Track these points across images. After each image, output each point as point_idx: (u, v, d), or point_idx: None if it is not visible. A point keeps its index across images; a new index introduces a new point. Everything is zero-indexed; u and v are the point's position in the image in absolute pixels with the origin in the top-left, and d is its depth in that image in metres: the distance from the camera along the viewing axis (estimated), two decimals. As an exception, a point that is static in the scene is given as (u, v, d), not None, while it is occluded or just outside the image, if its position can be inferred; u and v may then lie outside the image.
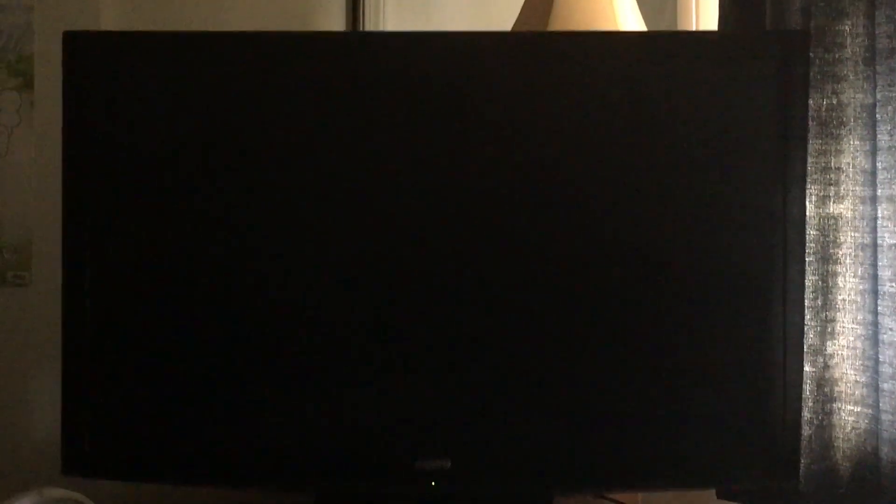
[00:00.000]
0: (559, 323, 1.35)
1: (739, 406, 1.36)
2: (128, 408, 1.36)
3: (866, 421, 1.42)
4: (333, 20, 1.84)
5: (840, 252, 1.43)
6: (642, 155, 1.35)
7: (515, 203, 1.35)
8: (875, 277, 1.39)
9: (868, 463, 1.41)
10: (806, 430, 1.44)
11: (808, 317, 1.42)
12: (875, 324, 1.39)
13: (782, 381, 1.36)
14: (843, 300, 1.43)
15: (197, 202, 1.35)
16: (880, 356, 1.38)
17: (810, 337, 1.44)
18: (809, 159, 1.41)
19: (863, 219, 1.41)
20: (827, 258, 1.44)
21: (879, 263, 1.38)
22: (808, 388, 1.45)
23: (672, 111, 1.36)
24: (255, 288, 1.35)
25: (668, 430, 1.35)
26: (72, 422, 1.35)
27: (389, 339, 1.35)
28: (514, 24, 1.63)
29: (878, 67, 1.38)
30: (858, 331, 1.42)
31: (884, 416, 1.37)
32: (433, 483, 1.34)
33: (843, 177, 1.43)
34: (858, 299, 1.42)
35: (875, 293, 1.39)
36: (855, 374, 1.43)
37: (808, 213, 1.41)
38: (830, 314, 1.44)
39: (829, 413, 1.45)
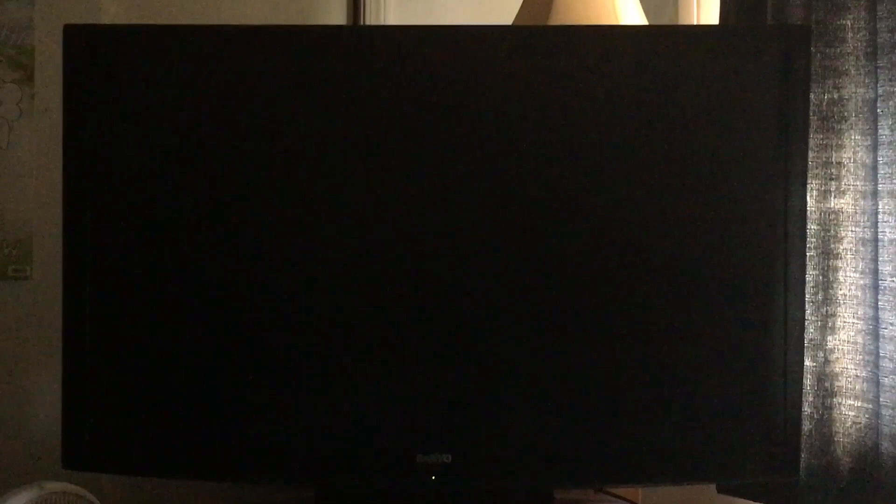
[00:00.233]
0: (559, 317, 1.35)
1: (740, 401, 1.36)
2: (128, 402, 1.36)
3: (866, 416, 1.42)
4: (334, 14, 1.84)
5: (841, 247, 1.43)
6: (643, 149, 1.35)
7: (516, 197, 1.35)
8: (876, 272, 1.39)
9: (868, 458, 1.41)
10: (806, 425, 1.45)
11: (808, 311, 1.42)
12: (875, 319, 1.39)
13: (783, 375, 1.36)
14: (844, 295, 1.43)
15: (198, 195, 1.35)
16: (881, 351, 1.38)
17: (811, 331, 1.44)
18: (810, 154, 1.41)
19: (864, 213, 1.41)
20: (828, 253, 1.44)
21: (880, 258, 1.38)
22: (808, 382, 1.45)
23: (673, 105, 1.36)
24: (256, 282, 1.35)
25: (668, 424, 1.35)
26: (72, 415, 1.35)
27: (390, 335, 1.35)
28: (516, 18, 1.63)
29: (879, 62, 1.38)
30: (859, 326, 1.42)
31: (884, 411, 1.37)
32: (433, 477, 1.34)
33: (843, 171, 1.43)
34: (859, 294, 1.42)
35: (876, 288, 1.39)
36: (855, 369, 1.43)
37: (808, 208, 1.40)
38: (831, 309, 1.44)
39: (830, 408, 1.45)
